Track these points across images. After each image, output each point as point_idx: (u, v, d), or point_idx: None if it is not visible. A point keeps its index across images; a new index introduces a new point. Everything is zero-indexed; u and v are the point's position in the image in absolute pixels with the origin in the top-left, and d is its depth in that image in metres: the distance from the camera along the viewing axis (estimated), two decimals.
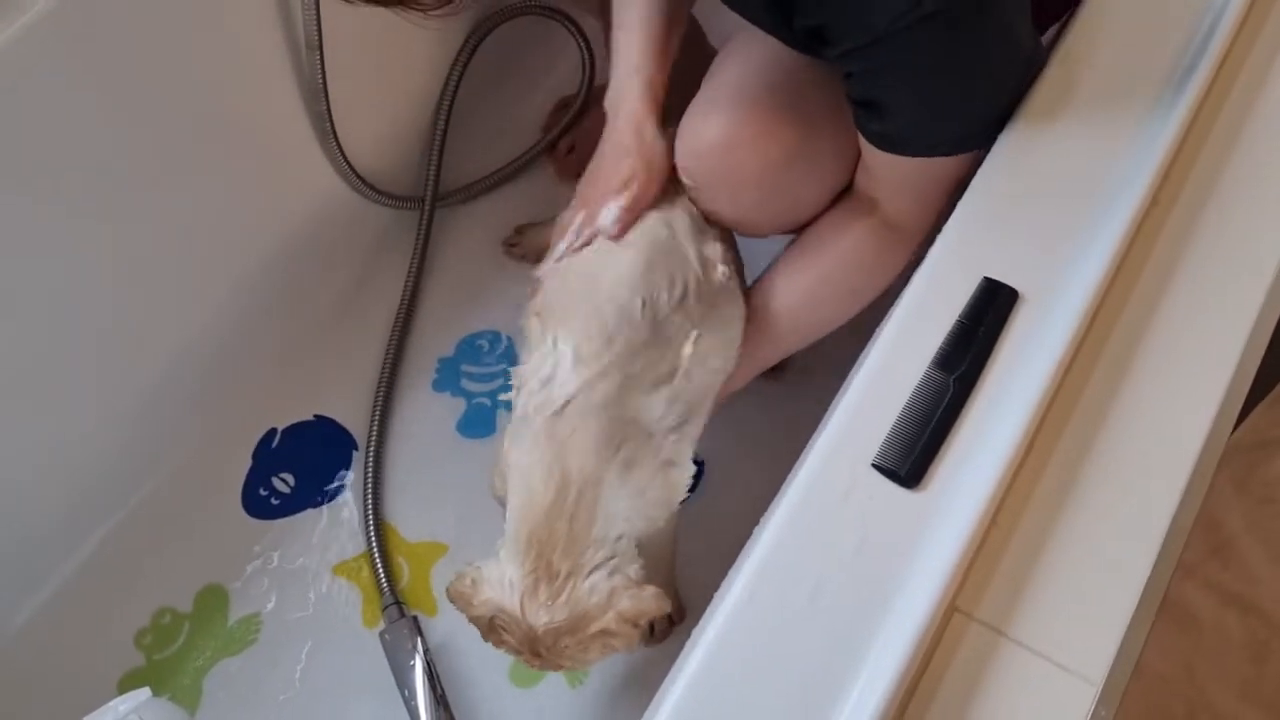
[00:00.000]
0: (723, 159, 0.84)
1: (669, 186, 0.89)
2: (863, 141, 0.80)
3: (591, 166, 0.90)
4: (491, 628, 0.79)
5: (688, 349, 0.82)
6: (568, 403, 0.79)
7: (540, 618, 0.75)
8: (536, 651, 0.77)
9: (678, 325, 0.82)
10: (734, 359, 0.88)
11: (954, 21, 0.68)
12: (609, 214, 0.86)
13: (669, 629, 1.02)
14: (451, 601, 0.81)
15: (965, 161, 0.78)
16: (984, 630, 0.61)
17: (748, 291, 0.92)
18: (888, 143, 0.78)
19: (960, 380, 0.66)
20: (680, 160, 0.87)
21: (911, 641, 0.58)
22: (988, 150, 0.76)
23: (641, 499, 0.79)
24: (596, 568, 0.76)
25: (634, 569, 0.78)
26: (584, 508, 0.77)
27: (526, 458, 0.80)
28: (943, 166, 0.79)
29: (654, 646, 1.02)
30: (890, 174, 0.82)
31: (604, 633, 0.76)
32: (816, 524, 0.63)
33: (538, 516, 0.77)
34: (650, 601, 0.76)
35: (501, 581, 0.77)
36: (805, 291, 0.90)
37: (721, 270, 0.86)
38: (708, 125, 0.85)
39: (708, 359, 0.84)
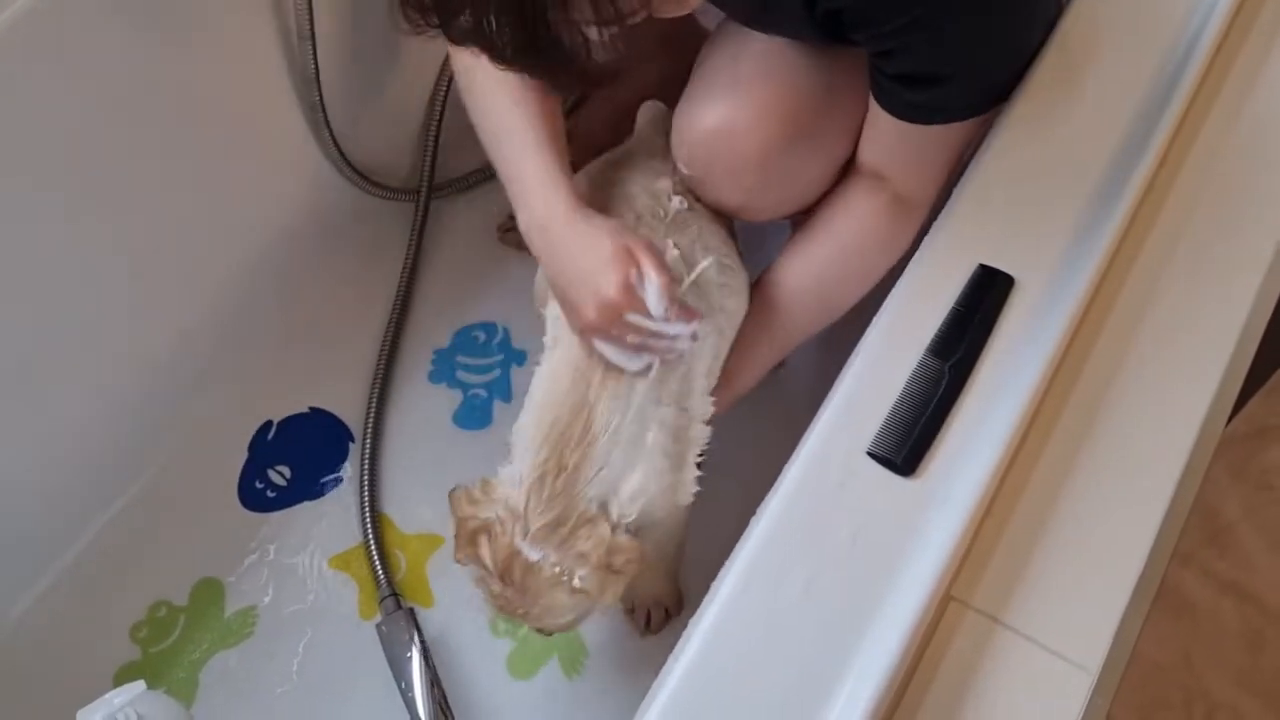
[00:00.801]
0: (722, 144, 0.84)
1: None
2: (882, 116, 0.79)
3: (580, 303, 0.78)
4: (472, 539, 0.78)
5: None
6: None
7: (536, 514, 0.75)
8: (507, 573, 0.76)
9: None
10: (740, 295, 0.87)
11: None
12: (654, 297, 0.76)
13: (665, 620, 1.02)
14: (451, 505, 0.81)
15: (980, 125, 0.77)
16: (980, 618, 0.61)
17: (756, 282, 0.91)
18: (922, 113, 0.77)
19: (956, 367, 0.66)
20: (679, 150, 0.87)
21: (907, 629, 0.58)
22: (979, 143, 0.76)
23: (662, 430, 0.79)
24: (596, 482, 0.76)
25: (631, 491, 0.78)
26: (601, 409, 0.77)
27: (549, 366, 0.81)
28: (957, 132, 0.78)
29: (650, 637, 1.02)
30: (907, 146, 0.81)
31: (579, 555, 0.75)
32: (812, 512, 0.63)
33: (563, 408, 0.77)
34: (630, 544, 0.76)
35: (512, 479, 0.77)
36: (816, 277, 0.89)
37: (677, 200, 0.86)
38: (704, 113, 0.84)
39: (714, 274, 0.83)
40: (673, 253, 0.82)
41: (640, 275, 0.75)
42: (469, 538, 0.79)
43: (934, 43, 0.72)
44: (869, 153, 0.85)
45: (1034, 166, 0.73)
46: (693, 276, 0.82)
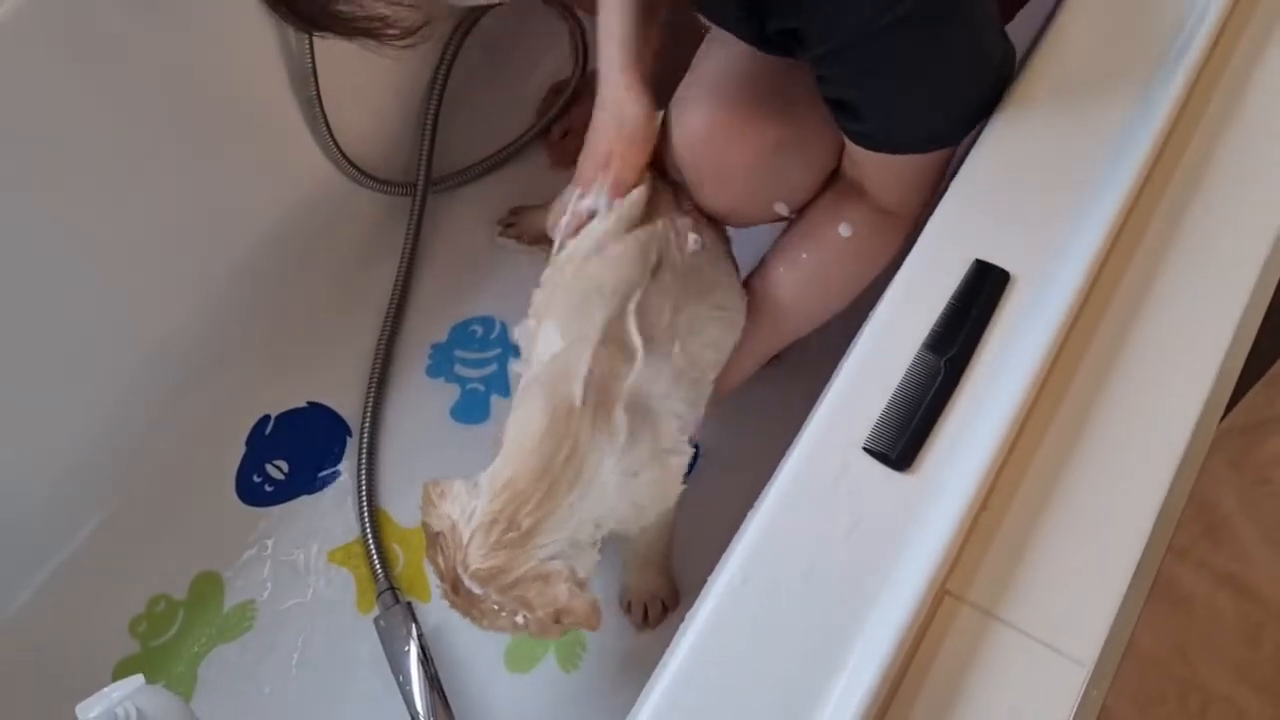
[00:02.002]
0: (711, 148, 0.84)
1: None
2: (845, 140, 0.80)
3: (585, 143, 0.91)
4: (433, 542, 0.78)
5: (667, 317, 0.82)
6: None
7: (477, 556, 0.74)
8: (455, 587, 0.76)
9: (658, 293, 0.83)
10: (732, 332, 0.88)
11: (925, 23, 0.68)
12: (597, 192, 0.87)
13: (663, 614, 1.03)
14: (421, 501, 0.80)
15: (948, 151, 0.78)
16: (975, 613, 0.61)
17: (745, 283, 0.92)
18: (866, 140, 0.78)
19: (952, 362, 0.66)
20: (670, 154, 0.87)
21: (903, 624, 0.58)
22: (976, 136, 0.76)
23: (634, 480, 0.79)
24: (554, 544, 0.75)
25: (586, 563, 0.77)
26: (569, 473, 0.75)
27: (524, 412, 0.79)
28: (925, 158, 0.78)
29: (648, 632, 1.02)
30: (874, 166, 0.82)
31: (523, 602, 0.74)
32: (808, 508, 0.63)
33: (524, 468, 0.75)
34: (582, 609, 0.74)
35: (466, 507, 0.76)
36: (802, 281, 0.90)
37: (693, 240, 0.86)
38: (694, 117, 0.85)
39: (702, 329, 0.84)
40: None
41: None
42: (431, 541, 0.79)
43: (851, 79, 0.73)
44: (847, 165, 0.85)
45: (1030, 161, 0.73)
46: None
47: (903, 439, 0.64)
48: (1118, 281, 0.70)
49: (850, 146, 0.81)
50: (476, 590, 0.75)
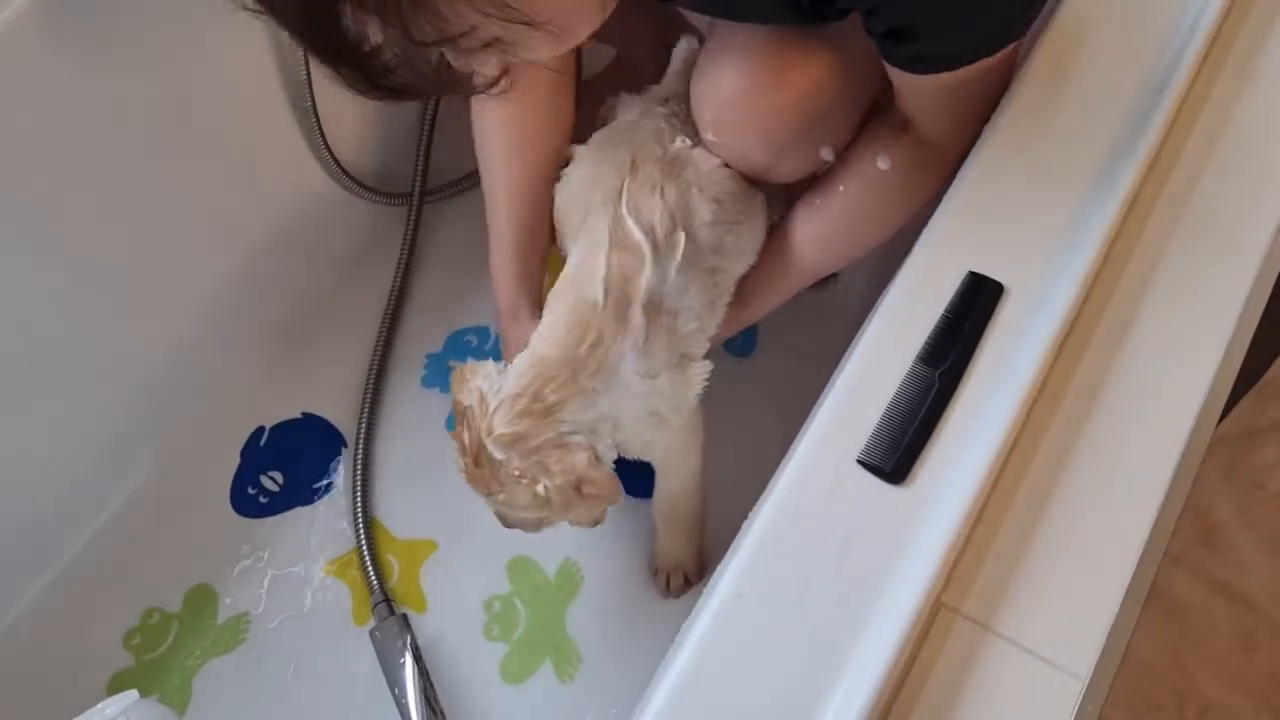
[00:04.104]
0: (746, 103, 0.83)
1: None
2: (896, 72, 0.78)
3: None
4: (460, 417, 0.82)
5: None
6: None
7: (502, 423, 0.78)
8: (477, 459, 0.80)
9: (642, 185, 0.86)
10: (742, 214, 0.89)
11: None
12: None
13: (685, 586, 1.04)
14: (452, 380, 0.85)
15: (1003, 67, 0.76)
16: (970, 626, 0.61)
17: (778, 222, 0.92)
18: (922, 63, 0.76)
19: (946, 375, 0.66)
20: (703, 117, 0.87)
21: (898, 638, 0.58)
22: (1025, 53, 0.75)
23: (653, 384, 0.82)
24: (575, 424, 0.79)
25: (606, 447, 0.81)
26: (592, 362, 0.80)
27: (550, 313, 0.84)
28: (981, 78, 0.76)
29: (645, 640, 1.02)
30: (928, 95, 0.80)
31: (543, 469, 0.78)
32: (803, 521, 0.63)
33: (550, 353, 0.80)
34: (602, 478, 0.79)
35: (495, 383, 0.81)
36: (835, 214, 0.89)
37: (679, 140, 0.88)
38: (724, 76, 0.84)
39: (698, 210, 0.86)
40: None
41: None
42: (459, 416, 0.82)
43: None
44: (893, 100, 0.84)
45: (1023, 173, 0.73)
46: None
47: (897, 452, 0.64)
48: (1111, 293, 0.70)
49: (903, 82, 0.79)
50: (499, 455, 0.79)
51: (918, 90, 0.80)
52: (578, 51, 0.99)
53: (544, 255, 0.98)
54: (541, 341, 0.82)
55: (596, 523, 0.85)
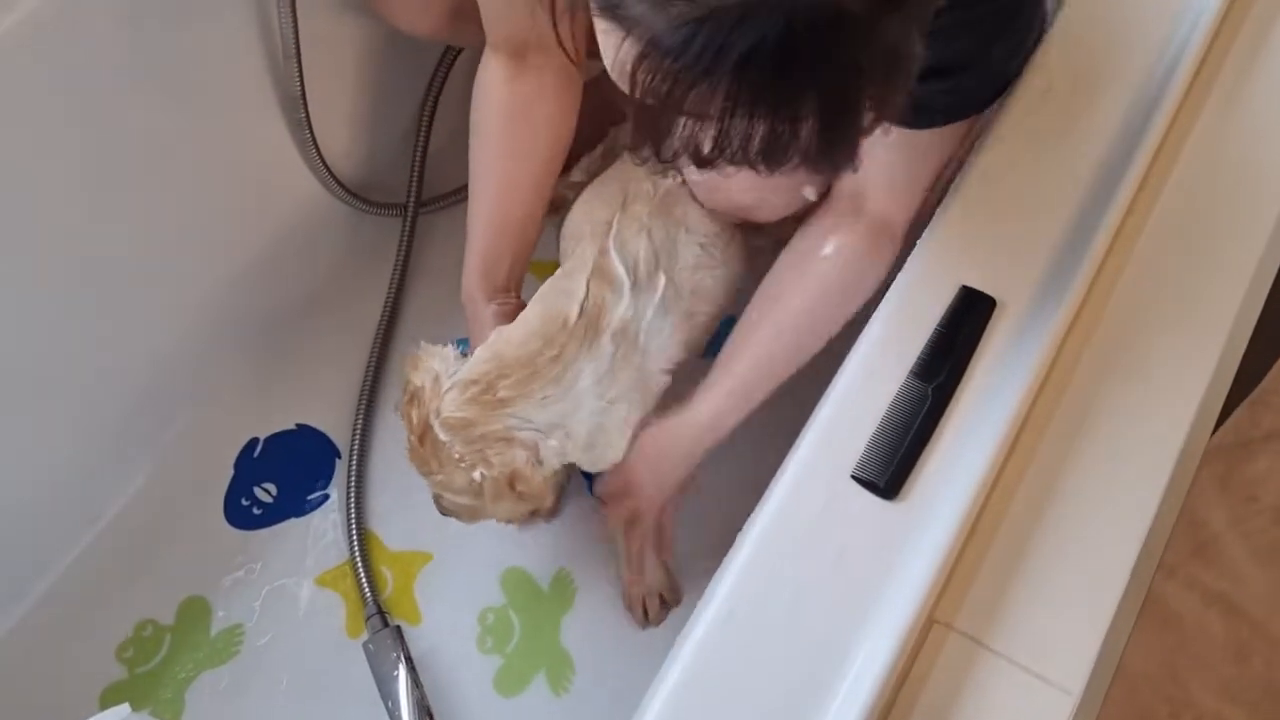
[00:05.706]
0: None
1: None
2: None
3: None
4: (411, 396, 0.85)
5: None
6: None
7: (451, 405, 0.80)
8: (423, 438, 0.83)
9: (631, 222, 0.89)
10: (719, 257, 0.92)
11: None
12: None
13: (662, 611, 1.03)
14: (407, 360, 0.88)
15: (959, 139, 0.77)
16: (963, 641, 0.61)
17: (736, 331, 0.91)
18: (924, 116, 0.74)
19: (939, 389, 0.66)
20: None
21: (891, 653, 0.58)
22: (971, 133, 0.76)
23: (608, 409, 0.85)
24: (523, 423, 0.81)
25: (551, 451, 0.82)
26: (551, 371, 0.82)
27: (525, 313, 0.87)
28: (943, 144, 0.77)
29: (640, 651, 1.02)
30: (891, 159, 0.78)
31: (483, 459, 0.80)
32: (796, 536, 0.63)
33: (510, 351, 0.83)
34: (536, 479, 0.81)
35: (451, 366, 0.84)
36: (793, 321, 0.87)
37: (670, 179, 0.91)
38: None
39: (681, 254, 0.90)
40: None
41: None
42: (409, 397, 0.85)
43: (956, 33, 0.69)
44: (847, 178, 0.84)
45: (1016, 188, 0.73)
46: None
47: (890, 467, 0.64)
48: (1104, 307, 0.71)
49: (870, 144, 0.79)
50: (444, 437, 0.81)
51: (885, 151, 0.76)
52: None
53: (521, 239, 0.97)
54: (506, 340, 0.84)
55: (521, 522, 0.87)
